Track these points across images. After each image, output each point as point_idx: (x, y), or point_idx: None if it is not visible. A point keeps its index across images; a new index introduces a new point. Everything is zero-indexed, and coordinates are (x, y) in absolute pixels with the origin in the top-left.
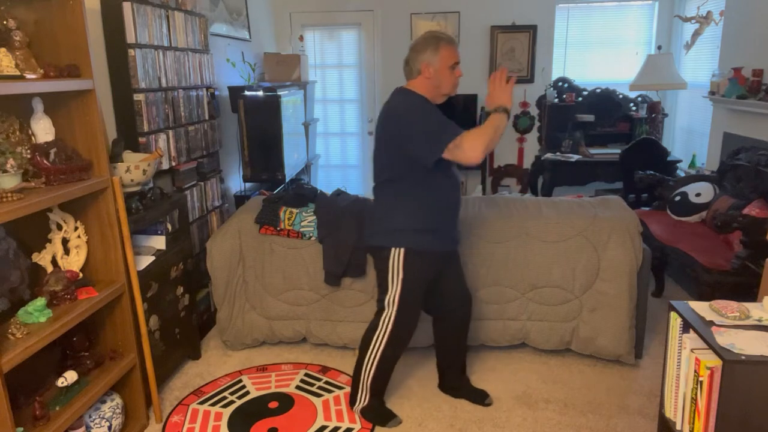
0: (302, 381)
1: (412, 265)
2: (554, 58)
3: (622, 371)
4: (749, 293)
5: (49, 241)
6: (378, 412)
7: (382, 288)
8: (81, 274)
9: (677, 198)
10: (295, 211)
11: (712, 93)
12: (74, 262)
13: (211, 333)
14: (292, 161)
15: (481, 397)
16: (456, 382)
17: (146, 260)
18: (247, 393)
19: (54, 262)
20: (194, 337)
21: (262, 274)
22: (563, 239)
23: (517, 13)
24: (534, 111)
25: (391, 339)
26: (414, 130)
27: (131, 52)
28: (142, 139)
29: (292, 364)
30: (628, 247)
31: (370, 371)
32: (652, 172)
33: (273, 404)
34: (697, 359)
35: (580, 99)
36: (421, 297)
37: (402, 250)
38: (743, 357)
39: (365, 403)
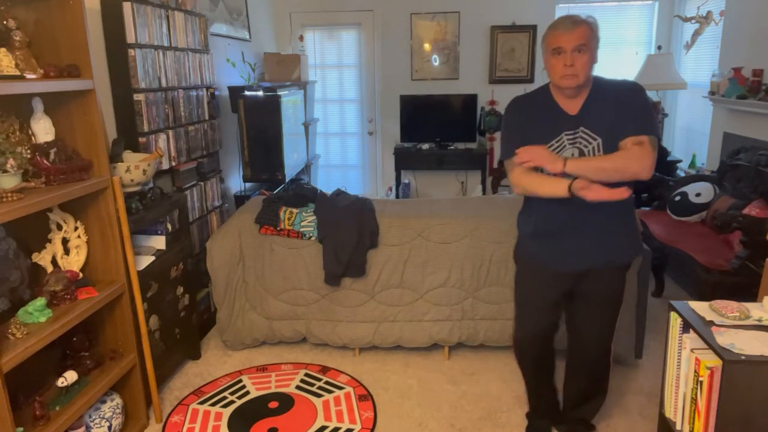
0: (302, 381)
1: (517, 264)
2: None
3: (622, 371)
4: (749, 293)
5: (49, 241)
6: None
7: None
8: (81, 274)
9: (677, 198)
10: (295, 211)
11: (712, 93)
12: (74, 262)
13: (211, 333)
14: (292, 161)
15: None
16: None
17: (146, 260)
18: (247, 393)
19: (54, 262)
20: (194, 337)
21: (262, 274)
22: None
23: (517, 13)
24: None
25: (513, 343)
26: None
27: (131, 52)
28: (142, 139)
29: (292, 364)
30: None
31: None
32: None
33: (273, 404)
34: (697, 359)
35: None
36: (532, 312)
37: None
38: (743, 357)
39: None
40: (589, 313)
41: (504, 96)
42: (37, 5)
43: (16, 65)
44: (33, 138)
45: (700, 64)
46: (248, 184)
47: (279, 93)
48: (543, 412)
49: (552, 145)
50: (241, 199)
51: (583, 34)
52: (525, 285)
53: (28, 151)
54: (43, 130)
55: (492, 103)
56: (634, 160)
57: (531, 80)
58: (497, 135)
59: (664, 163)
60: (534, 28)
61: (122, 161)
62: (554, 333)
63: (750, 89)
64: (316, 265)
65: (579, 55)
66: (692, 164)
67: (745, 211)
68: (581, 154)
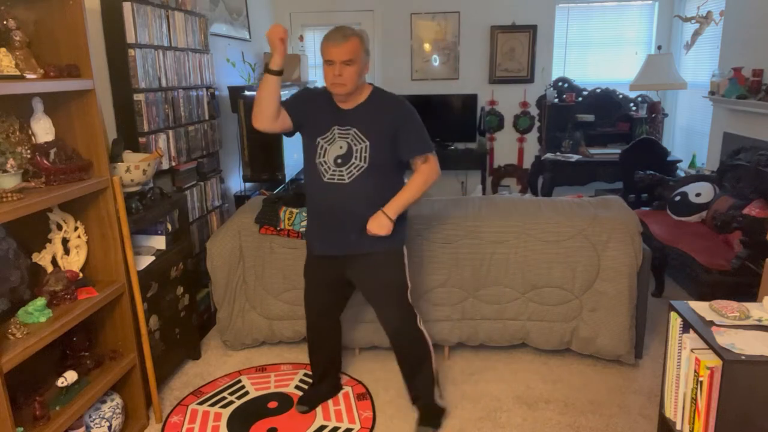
0: (301, 381)
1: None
2: (554, 58)
3: (622, 371)
4: (749, 293)
5: (49, 241)
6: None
7: None
8: (81, 274)
9: (677, 198)
10: (295, 211)
11: (712, 93)
12: (74, 262)
13: (211, 333)
14: (292, 161)
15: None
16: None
17: (146, 260)
18: (247, 393)
19: (54, 262)
20: (194, 337)
21: (262, 274)
22: (563, 239)
23: (517, 13)
24: (534, 111)
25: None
26: None
27: (131, 52)
28: (142, 139)
29: (292, 365)
30: (628, 247)
31: None
32: (652, 172)
33: (272, 404)
34: (697, 359)
35: (580, 99)
36: (310, 292)
37: None
38: (743, 357)
39: None
40: (371, 298)
41: (504, 96)
42: (37, 5)
43: (16, 65)
44: (33, 138)
45: (700, 64)
46: (248, 184)
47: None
48: (318, 378)
49: (326, 136)
50: (241, 199)
51: (351, 49)
52: (306, 268)
53: (28, 151)
54: (43, 130)
55: (492, 103)
56: (429, 175)
57: (531, 80)
58: (497, 135)
59: (664, 163)
60: (534, 28)
61: (122, 161)
62: (336, 313)
63: (750, 89)
64: None
65: (347, 67)
66: (692, 164)
67: (745, 211)
68: (349, 148)
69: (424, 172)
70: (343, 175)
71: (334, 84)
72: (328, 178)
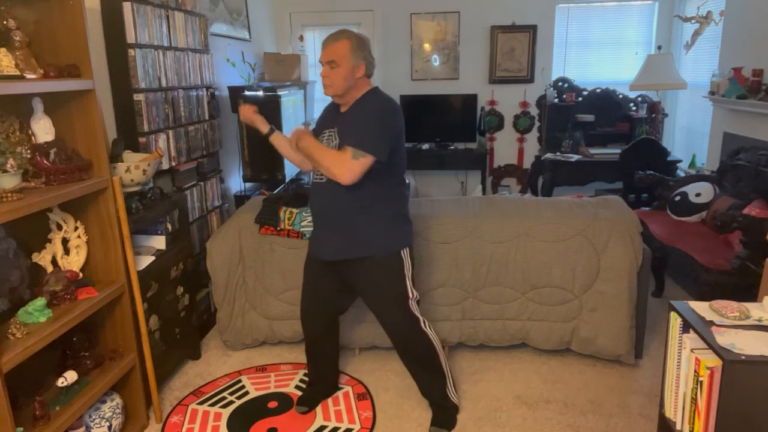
0: (301, 381)
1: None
2: (554, 58)
3: (622, 371)
4: (749, 293)
5: (49, 241)
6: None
7: None
8: (81, 274)
9: (677, 198)
10: (295, 211)
11: (712, 93)
12: (74, 262)
13: (211, 333)
14: None
15: None
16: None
17: (146, 260)
18: (247, 393)
19: (54, 262)
20: (194, 337)
21: (262, 274)
22: (563, 239)
23: (517, 13)
24: (534, 111)
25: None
26: None
27: (131, 52)
28: (142, 139)
29: (292, 365)
30: (628, 247)
31: None
32: (652, 172)
33: (272, 404)
34: (697, 359)
35: (580, 99)
36: (305, 291)
37: None
38: (743, 357)
39: None
40: (368, 303)
41: (504, 96)
42: (37, 5)
43: (16, 65)
44: (33, 138)
45: (700, 64)
46: (248, 184)
47: (279, 93)
48: (315, 379)
49: (320, 137)
50: (241, 199)
51: (336, 51)
52: (305, 265)
53: (28, 151)
54: (43, 130)
55: (492, 103)
56: (340, 161)
57: (531, 80)
58: (497, 135)
59: (664, 163)
60: (534, 28)
61: (122, 161)
62: (328, 316)
63: (750, 89)
64: None
65: (332, 69)
66: (692, 164)
67: (745, 211)
68: None
69: (340, 156)
70: (322, 175)
71: (323, 84)
72: (316, 178)
